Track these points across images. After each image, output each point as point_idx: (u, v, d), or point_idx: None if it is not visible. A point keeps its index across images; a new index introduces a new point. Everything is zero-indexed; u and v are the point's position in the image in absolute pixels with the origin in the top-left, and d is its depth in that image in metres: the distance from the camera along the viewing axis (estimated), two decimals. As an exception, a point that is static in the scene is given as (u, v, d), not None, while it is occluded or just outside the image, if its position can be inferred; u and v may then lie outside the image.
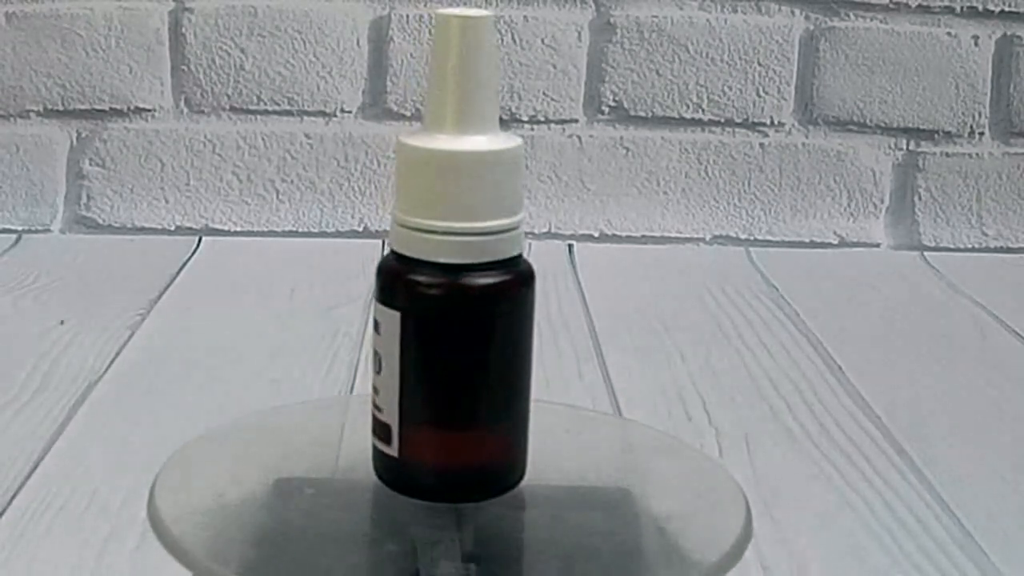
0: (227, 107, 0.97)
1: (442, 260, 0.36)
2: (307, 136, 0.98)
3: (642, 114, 0.98)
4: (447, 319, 0.36)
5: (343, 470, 0.40)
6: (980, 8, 0.98)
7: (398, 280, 0.36)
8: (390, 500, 0.37)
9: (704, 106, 0.99)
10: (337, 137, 0.98)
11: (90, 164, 0.97)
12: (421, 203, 0.36)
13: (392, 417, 0.37)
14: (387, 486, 0.37)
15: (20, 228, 0.97)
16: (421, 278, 0.36)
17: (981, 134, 1.00)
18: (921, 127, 1.00)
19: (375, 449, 0.38)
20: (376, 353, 0.37)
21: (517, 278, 0.36)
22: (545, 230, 0.99)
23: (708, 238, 1.00)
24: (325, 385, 0.68)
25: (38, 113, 0.97)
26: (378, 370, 0.37)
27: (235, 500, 0.38)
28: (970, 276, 0.93)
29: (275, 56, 0.97)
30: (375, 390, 0.37)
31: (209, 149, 0.98)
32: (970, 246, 1.01)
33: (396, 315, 0.36)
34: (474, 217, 0.36)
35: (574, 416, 0.48)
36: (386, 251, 0.37)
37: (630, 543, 0.37)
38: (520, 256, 0.37)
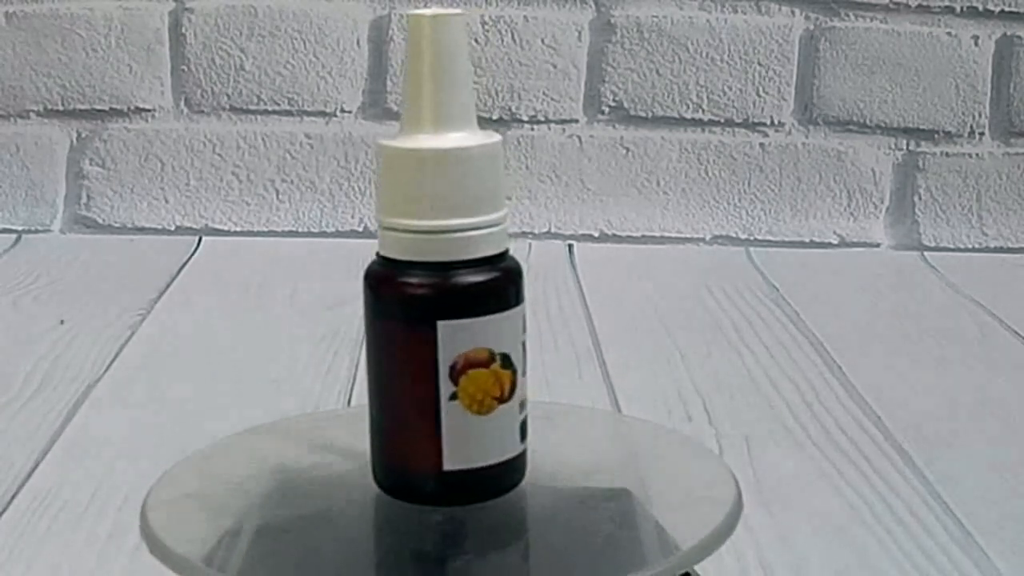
0: (227, 107, 0.97)
1: (428, 259, 0.36)
2: (307, 136, 0.98)
3: (642, 114, 0.98)
4: (438, 318, 0.36)
5: (342, 477, 0.40)
6: (980, 8, 0.98)
7: (386, 282, 0.36)
8: (389, 506, 0.37)
9: (704, 106, 0.98)
10: (337, 137, 0.98)
11: (90, 164, 0.97)
12: (403, 204, 0.36)
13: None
14: (386, 492, 0.37)
15: (20, 228, 0.97)
16: (409, 279, 0.36)
17: (981, 134, 1.00)
18: (921, 127, 1.00)
19: (373, 454, 0.37)
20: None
21: (506, 274, 0.36)
22: (545, 230, 0.99)
23: (708, 238, 1.00)
24: (325, 385, 0.68)
25: (38, 113, 0.97)
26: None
27: (232, 507, 0.38)
28: (970, 276, 0.93)
29: (275, 56, 0.97)
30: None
31: (209, 149, 0.98)
32: (970, 246, 1.01)
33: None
34: (457, 214, 0.35)
35: (571, 412, 0.48)
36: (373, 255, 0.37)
37: (630, 541, 0.37)
38: (507, 252, 0.37)
